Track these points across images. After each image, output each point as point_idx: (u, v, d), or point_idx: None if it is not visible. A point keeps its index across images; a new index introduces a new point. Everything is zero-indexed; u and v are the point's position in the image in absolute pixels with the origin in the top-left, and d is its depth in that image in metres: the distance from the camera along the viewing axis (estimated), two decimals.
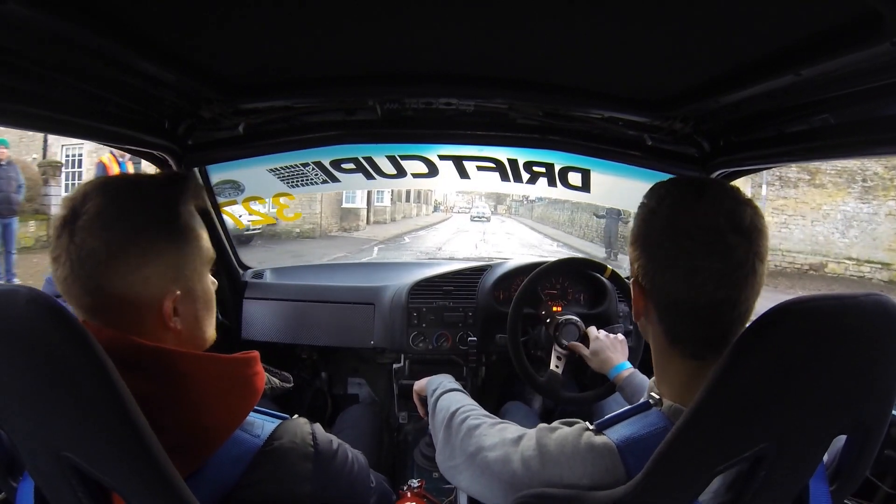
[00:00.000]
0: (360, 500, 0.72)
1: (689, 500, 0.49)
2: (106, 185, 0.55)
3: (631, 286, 0.62)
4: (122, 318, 0.54)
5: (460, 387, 0.91)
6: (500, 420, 0.71)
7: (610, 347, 1.20)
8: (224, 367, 0.57)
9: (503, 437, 0.64)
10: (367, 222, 16.89)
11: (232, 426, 0.55)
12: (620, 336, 1.24)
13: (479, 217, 27.03)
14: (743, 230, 0.53)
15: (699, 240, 0.53)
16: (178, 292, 0.56)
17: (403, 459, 1.53)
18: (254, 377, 0.59)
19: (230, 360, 0.57)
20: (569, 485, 0.55)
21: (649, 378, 1.29)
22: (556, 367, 1.26)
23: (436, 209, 35.75)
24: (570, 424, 0.60)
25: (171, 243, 0.56)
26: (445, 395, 0.86)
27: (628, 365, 1.16)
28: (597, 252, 10.64)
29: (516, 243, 14.65)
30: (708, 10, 0.59)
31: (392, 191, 18.63)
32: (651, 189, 0.60)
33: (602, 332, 1.24)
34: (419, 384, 1.02)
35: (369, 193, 15.85)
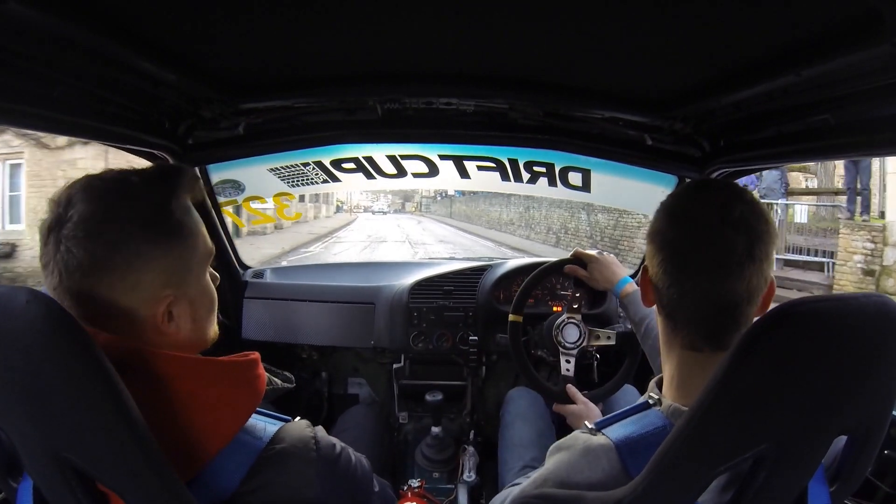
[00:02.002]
0: None
1: (689, 500, 0.49)
2: (90, 187, 0.52)
3: (640, 274, 0.65)
4: (116, 325, 0.52)
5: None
6: None
7: (611, 262, 1.21)
8: (224, 370, 0.55)
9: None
10: (236, 235, 12.17)
11: (233, 429, 0.54)
12: (611, 255, 1.25)
13: (378, 211, 40.03)
14: (732, 223, 0.54)
15: (690, 229, 0.57)
16: (172, 297, 0.54)
17: (404, 459, 1.54)
18: (255, 380, 0.57)
19: (230, 363, 0.56)
20: (570, 484, 0.55)
21: (638, 383, 1.30)
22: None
23: (338, 210, 33.18)
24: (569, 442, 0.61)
25: (161, 246, 0.53)
26: None
27: (630, 279, 1.17)
28: None
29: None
30: (708, 10, 0.59)
31: None
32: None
33: (595, 251, 1.24)
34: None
35: None
